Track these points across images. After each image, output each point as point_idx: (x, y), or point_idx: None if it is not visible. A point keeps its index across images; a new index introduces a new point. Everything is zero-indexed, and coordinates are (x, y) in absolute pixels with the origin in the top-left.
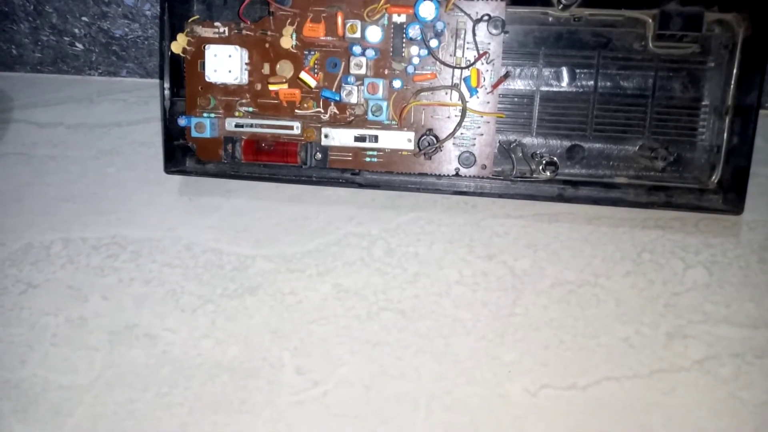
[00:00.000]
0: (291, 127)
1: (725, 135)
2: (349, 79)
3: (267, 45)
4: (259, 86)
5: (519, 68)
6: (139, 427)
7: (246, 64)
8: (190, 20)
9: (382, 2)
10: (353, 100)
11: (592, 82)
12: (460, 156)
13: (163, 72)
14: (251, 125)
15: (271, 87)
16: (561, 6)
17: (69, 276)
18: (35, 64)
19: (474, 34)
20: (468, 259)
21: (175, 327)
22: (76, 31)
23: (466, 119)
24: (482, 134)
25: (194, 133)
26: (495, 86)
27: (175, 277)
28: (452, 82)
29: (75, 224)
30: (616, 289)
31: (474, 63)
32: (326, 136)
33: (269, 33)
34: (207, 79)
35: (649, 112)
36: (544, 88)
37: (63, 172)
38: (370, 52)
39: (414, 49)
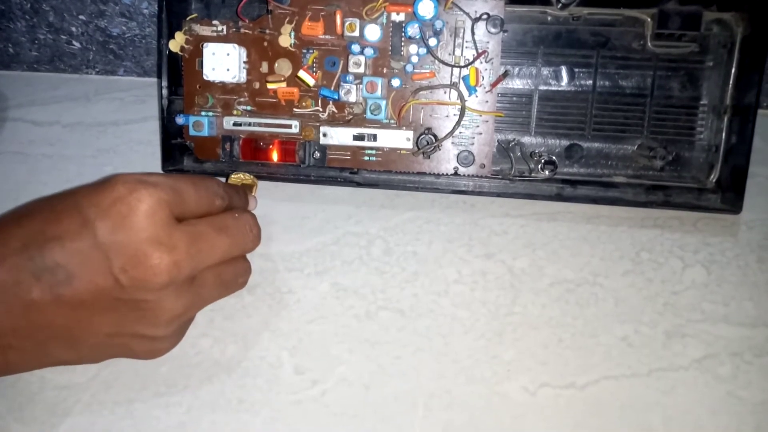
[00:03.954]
0: (289, 126)
1: (724, 134)
2: (347, 78)
3: (265, 43)
4: (257, 85)
5: (518, 67)
6: (136, 427)
7: (244, 62)
8: (188, 18)
9: (380, 1)
10: (352, 98)
11: (590, 82)
12: (458, 155)
13: (160, 70)
14: (249, 124)
15: (270, 86)
16: (560, 5)
17: None
18: (32, 62)
19: (473, 33)
20: (467, 258)
21: None
22: (73, 29)
23: (464, 118)
24: (481, 133)
25: (192, 132)
26: (494, 85)
27: None
28: (451, 80)
29: None
30: (615, 288)
31: (473, 62)
32: (325, 134)
33: (267, 31)
34: (205, 77)
35: (647, 111)
36: (543, 87)
37: (60, 171)
38: (368, 51)
39: (413, 48)
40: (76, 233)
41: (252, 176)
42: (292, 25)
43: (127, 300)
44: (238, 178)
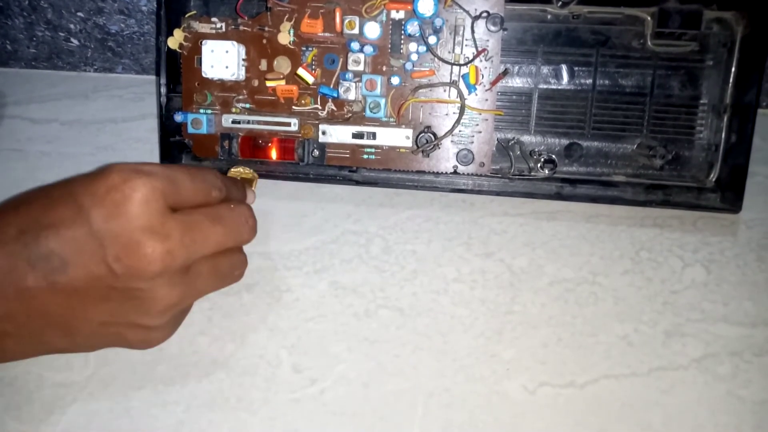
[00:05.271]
0: (288, 124)
1: (723, 133)
2: (347, 76)
3: (264, 41)
4: (256, 82)
5: (517, 66)
6: (134, 425)
7: (243, 60)
8: (186, 16)
9: None
10: (351, 96)
11: (590, 80)
12: (458, 153)
13: (159, 68)
14: (248, 122)
15: (269, 83)
16: (560, 3)
17: None
18: (30, 59)
19: (473, 31)
20: (466, 257)
21: None
22: (72, 26)
23: (464, 117)
24: (480, 132)
25: (191, 130)
26: (493, 83)
27: None
28: (450, 79)
29: None
30: (615, 287)
31: (472, 60)
32: (324, 133)
33: (267, 29)
34: (204, 75)
35: (647, 110)
36: (543, 86)
37: (58, 169)
38: (368, 49)
39: (412, 46)
40: (70, 221)
41: (252, 171)
42: (291, 22)
43: (121, 288)
44: (237, 172)
